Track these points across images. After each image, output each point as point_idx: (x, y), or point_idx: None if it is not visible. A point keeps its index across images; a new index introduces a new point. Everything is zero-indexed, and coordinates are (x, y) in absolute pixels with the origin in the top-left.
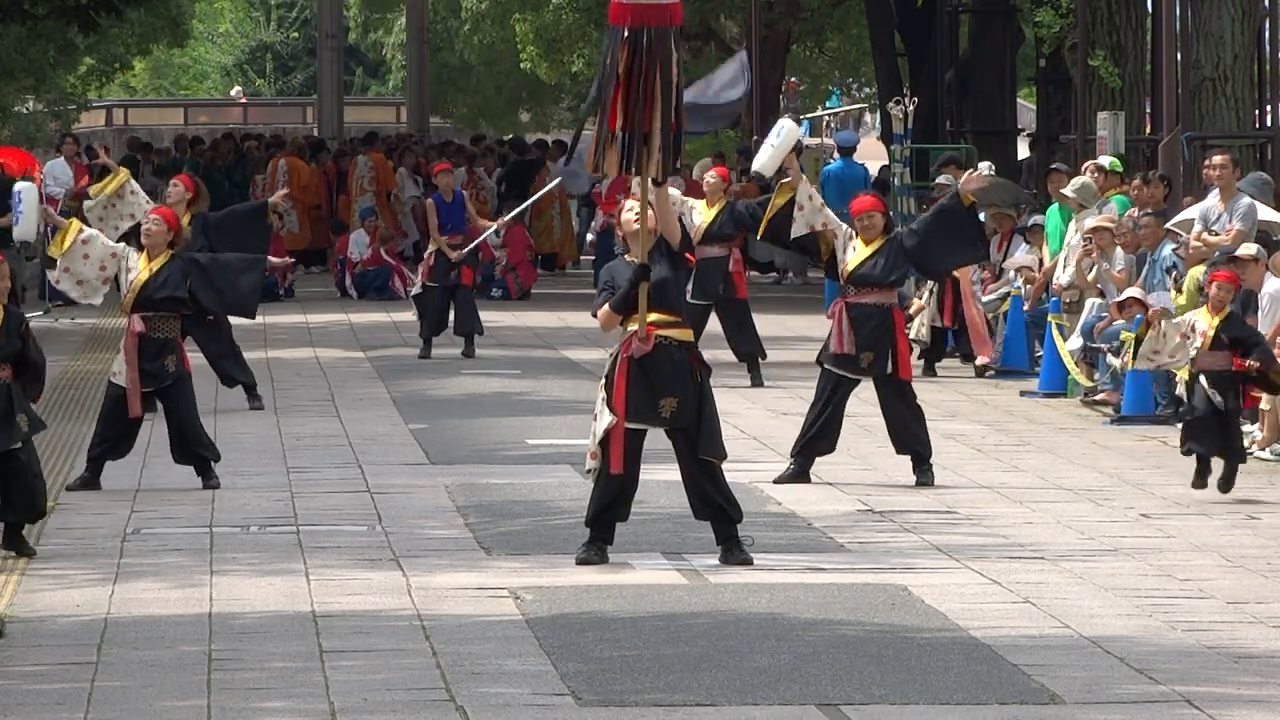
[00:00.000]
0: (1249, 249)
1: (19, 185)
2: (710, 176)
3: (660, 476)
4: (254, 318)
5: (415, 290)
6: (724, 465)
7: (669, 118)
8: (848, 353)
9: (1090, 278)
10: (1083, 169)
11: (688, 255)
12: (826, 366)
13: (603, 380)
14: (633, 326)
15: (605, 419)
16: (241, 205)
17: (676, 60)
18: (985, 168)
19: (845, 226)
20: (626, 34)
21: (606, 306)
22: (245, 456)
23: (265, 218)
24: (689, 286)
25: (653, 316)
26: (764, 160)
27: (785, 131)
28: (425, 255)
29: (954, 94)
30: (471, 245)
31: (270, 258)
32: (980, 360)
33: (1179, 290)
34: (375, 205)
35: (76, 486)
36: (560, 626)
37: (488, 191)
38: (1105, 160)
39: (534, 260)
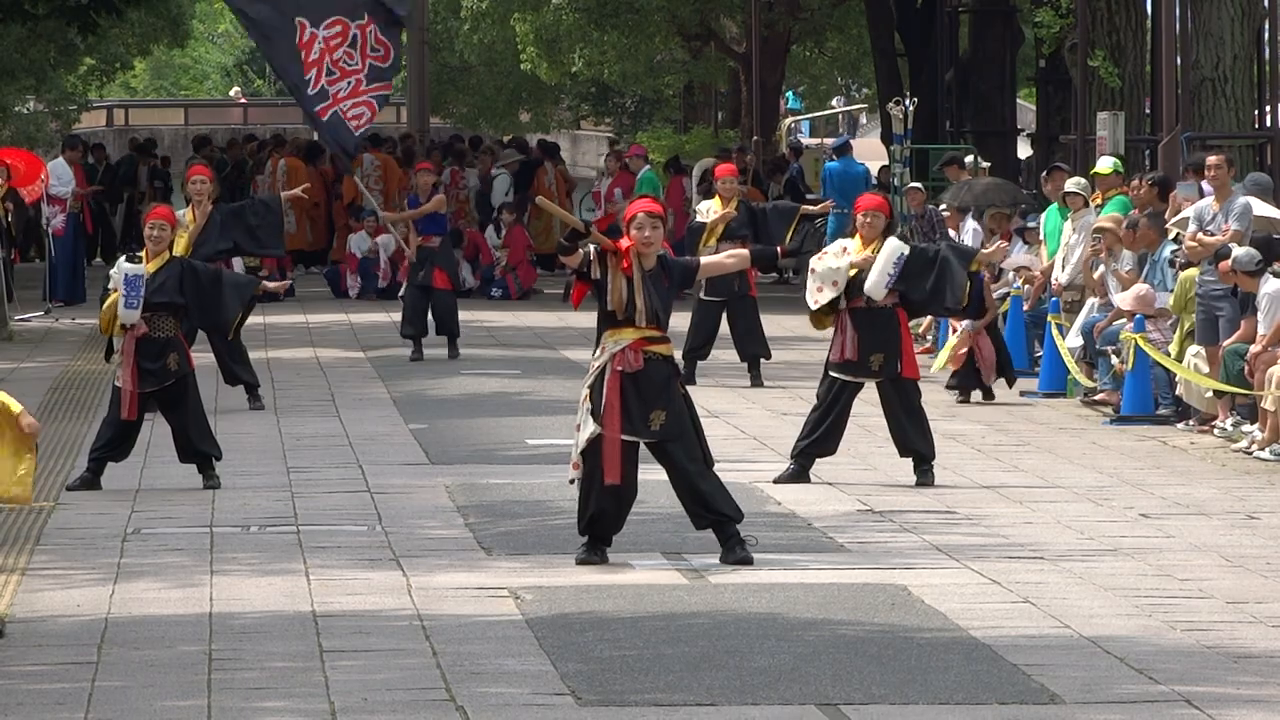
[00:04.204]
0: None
1: (136, 270)
2: (725, 181)
3: (661, 476)
4: (228, 338)
5: (404, 291)
6: (723, 465)
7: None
8: (850, 358)
9: (1096, 275)
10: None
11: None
12: (832, 374)
13: (586, 390)
14: (623, 341)
15: (588, 429)
16: (260, 197)
17: None
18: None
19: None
20: None
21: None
22: (245, 456)
23: (280, 211)
24: (702, 283)
25: (642, 334)
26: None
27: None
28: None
29: (954, 94)
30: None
31: (265, 283)
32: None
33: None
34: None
35: (77, 486)
36: (560, 626)
37: (469, 191)
38: (1102, 164)
39: (534, 260)
